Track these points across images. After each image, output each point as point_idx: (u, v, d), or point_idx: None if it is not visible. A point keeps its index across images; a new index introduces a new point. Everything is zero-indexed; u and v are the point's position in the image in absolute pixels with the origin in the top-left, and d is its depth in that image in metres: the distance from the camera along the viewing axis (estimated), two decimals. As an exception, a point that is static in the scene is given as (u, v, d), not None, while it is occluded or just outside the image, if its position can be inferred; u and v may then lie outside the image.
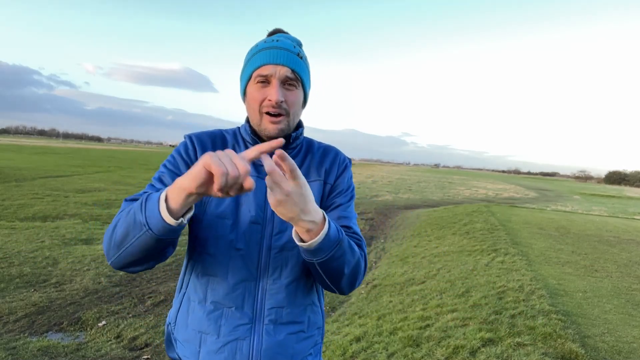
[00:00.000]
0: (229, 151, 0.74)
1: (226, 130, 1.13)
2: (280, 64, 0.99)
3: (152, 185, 1.00)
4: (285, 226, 1.01)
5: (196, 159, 1.03)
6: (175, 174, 1.01)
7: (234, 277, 1.00)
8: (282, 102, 0.99)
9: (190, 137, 1.08)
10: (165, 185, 0.97)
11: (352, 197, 1.13)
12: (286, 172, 0.78)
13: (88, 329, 3.75)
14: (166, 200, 0.79)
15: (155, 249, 0.85)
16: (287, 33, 1.11)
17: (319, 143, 1.17)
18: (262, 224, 1.01)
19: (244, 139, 1.10)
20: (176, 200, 0.77)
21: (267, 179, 0.78)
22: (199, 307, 1.03)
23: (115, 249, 0.87)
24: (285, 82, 1.01)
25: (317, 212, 0.85)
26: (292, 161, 0.78)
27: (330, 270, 0.94)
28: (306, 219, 0.83)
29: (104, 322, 3.85)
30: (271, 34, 1.10)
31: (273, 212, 1.00)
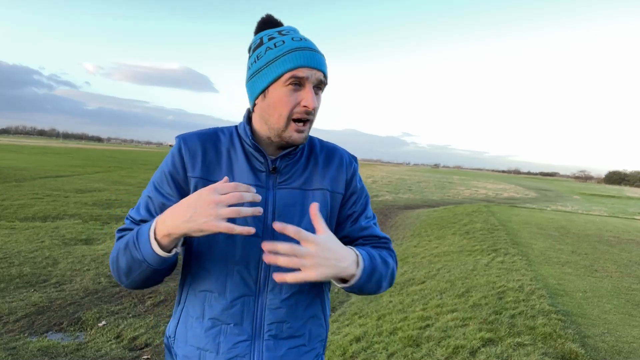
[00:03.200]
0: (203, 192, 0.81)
1: (221, 130, 1.03)
2: (317, 68, 0.92)
3: (138, 211, 0.97)
4: (286, 239, 0.88)
5: (185, 175, 0.97)
6: (164, 196, 0.97)
7: (232, 293, 0.96)
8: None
9: (179, 147, 0.98)
10: (152, 215, 0.95)
11: (367, 200, 1.11)
12: (300, 240, 0.82)
13: (88, 329, 3.75)
14: (155, 236, 0.85)
15: (160, 273, 0.92)
16: (278, 21, 1.01)
17: (321, 142, 1.09)
18: (261, 236, 0.95)
19: (241, 142, 1.01)
20: (164, 240, 0.84)
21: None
22: (197, 323, 0.99)
23: (124, 277, 0.94)
24: (316, 87, 0.95)
25: (350, 255, 0.90)
26: (298, 228, 0.82)
27: (370, 289, 0.99)
28: (346, 272, 0.88)
29: (104, 322, 3.85)
30: (263, 21, 1.01)
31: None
